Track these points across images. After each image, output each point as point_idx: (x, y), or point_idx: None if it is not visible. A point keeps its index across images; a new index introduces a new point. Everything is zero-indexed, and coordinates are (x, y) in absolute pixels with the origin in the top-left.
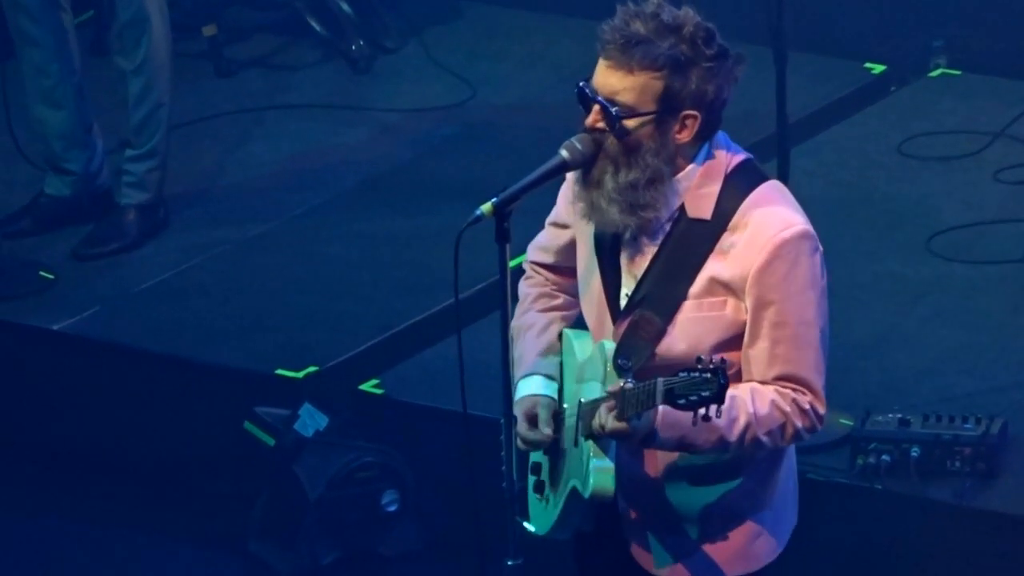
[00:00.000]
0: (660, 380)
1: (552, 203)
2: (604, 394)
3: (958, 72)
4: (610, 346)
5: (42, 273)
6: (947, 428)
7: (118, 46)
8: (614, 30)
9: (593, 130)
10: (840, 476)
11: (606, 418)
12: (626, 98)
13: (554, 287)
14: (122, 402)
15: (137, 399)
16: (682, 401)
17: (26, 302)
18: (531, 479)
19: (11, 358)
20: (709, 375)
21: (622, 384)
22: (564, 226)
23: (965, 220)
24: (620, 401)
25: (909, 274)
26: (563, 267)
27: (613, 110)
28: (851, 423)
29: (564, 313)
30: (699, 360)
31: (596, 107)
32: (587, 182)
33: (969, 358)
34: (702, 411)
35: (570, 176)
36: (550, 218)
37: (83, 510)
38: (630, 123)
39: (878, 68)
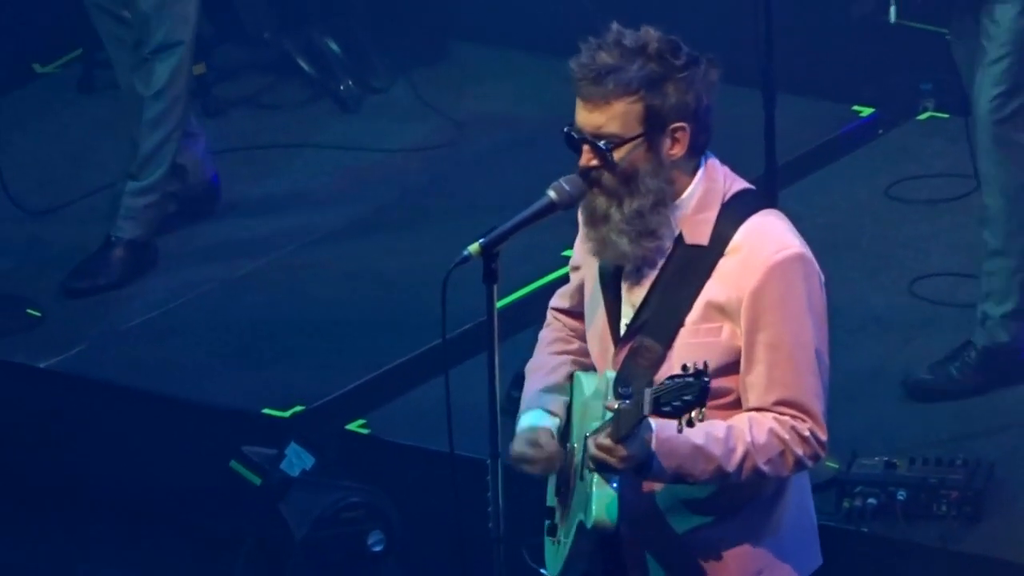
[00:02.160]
0: (648, 390)
1: (542, 244)
2: (603, 420)
3: (946, 115)
4: (611, 375)
5: (28, 311)
6: (934, 471)
7: (142, 71)
8: (582, 67)
9: (589, 170)
10: (826, 519)
11: (601, 438)
12: (611, 129)
13: (570, 333)
14: (108, 441)
15: (123, 437)
16: (667, 408)
17: (12, 339)
18: (546, 523)
19: None
20: (691, 379)
21: (617, 404)
22: (577, 268)
23: (952, 263)
24: (615, 419)
25: (895, 317)
26: (578, 312)
27: (600, 144)
28: (837, 466)
29: (577, 358)
30: (684, 367)
31: (586, 147)
32: (594, 220)
33: (956, 401)
34: (686, 417)
35: (581, 216)
36: (570, 264)
37: (68, 549)
38: (620, 152)
39: (866, 111)
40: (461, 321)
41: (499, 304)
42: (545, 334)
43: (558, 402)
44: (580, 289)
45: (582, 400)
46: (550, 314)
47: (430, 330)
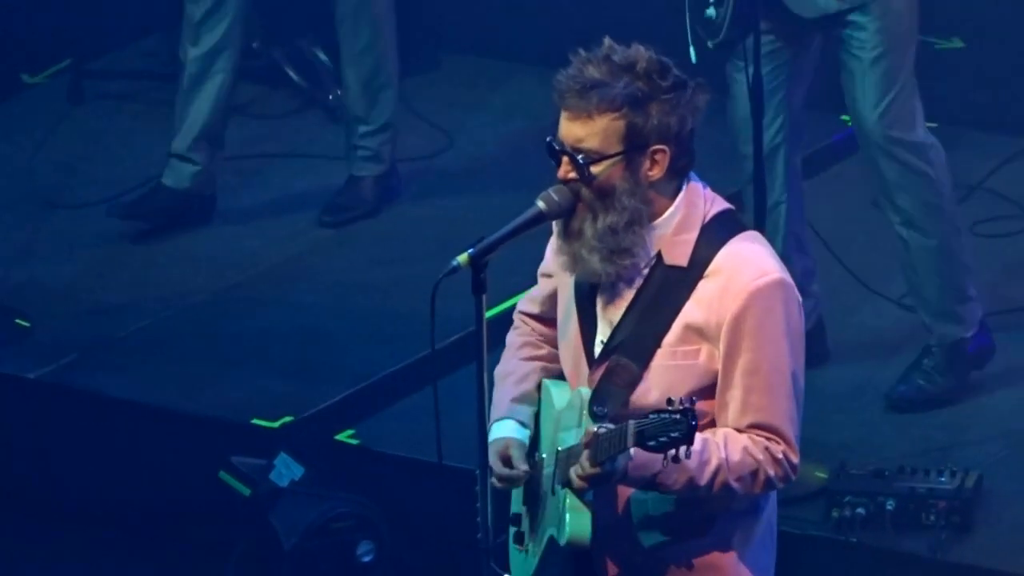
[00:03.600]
0: (631, 422)
1: (531, 254)
2: (580, 441)
3: (935, 125)
4: (586, 393)
5: (18, 321)
6: (922, 481)
7: (345, 29)
8: (569, 79)
9: (567, 182)
10: (815, 529)
11: (583, 463)
12: (591, 144)
13: (539, 338)
14: (97, 451)
15: (113, 448)
16: (652, 443)
17: (2, 350)
18: (511, 530)
19: None
20: (679, 416)
21: (595, 430)
22: (549, 276)
23: None
24: (593, 446)
25: (884, 327)
26: (548, 318)
27: (579, 158)
28: (826, 476)
29: (547, 364)
30: (669, 401)
31: (565, 158)
32: (568, 234)
33: (944, 411)
34: (672, 452)
35: (556, 227)
36: (540, 269)
37: (57, 559)
38: (599, 168)
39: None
40: (450, 331)
41: (488, 314)
42: (513, 338)
43: (528, 412)
44: (551, 297)
45: (552, 410)
46: (517, 318)
47: (419, 340)
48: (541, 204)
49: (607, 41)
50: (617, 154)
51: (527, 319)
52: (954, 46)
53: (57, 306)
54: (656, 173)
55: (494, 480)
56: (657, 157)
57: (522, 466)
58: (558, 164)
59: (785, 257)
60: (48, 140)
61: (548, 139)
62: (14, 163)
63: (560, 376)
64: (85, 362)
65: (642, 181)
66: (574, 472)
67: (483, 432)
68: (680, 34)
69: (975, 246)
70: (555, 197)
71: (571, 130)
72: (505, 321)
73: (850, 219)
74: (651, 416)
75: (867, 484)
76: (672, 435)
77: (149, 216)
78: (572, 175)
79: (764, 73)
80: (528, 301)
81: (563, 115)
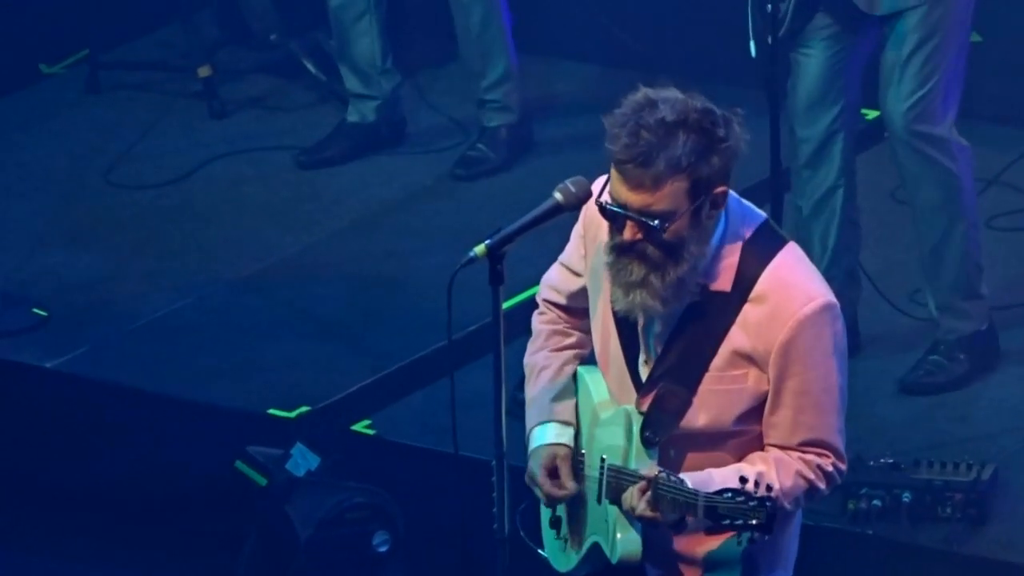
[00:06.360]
0: (701, 495)
1: (549, 245)
2: (633, 468)
3: None
4: (635, 415)
5: (34, 310)
6: (939, 474)
7: None
8: (626, 148)
9: (635, 243)
10: (831, 521)
11: (638, 503)
12: (661, 207)
13: (567, 325)
14: (113, 441)
15: (129, 438)
16: (726, 522)
17: (18, 339)
18: (545, 512)
19: (3, 395)
20: (756, 503)
21: (656, 473)
22: (576, 273)
23: None
24: (653, 491)
25: (901, 320)
26: (575, 308)
27: (654, 223)
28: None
29: (578, 351)
30: (743, 480)
31: (631, 224)
32: (629, 285)
33: (961, 405)
34: (748, 536)
35: (583, 218)
36: (562, 259)
37: (73, 548)
38: (670, 228)
39: (872, 113)
40: (467, 322)
41: (505, 306)
42: (542, 326)
43: (569, 408)
44: (579, 293)
45: (589, 404)
46: (541, 303)
47: (436, 331)
48: (558, 196)
49: (644, 92)
50: (686, 211)
51: (551, 307)
52: (971, 39)
53: (74, 295)
54: (716, 211)
55: (540, 495)
56: (717, 198)
57: (570, 484)
58: (618, 227)
59: (841, 245)
60: (65, 130)
61: (602, 202)
62: (31, 153)
63: (591, 360)
64: (101, 351)
65: (705, 224)
66: (627, 505)
67: (499, 422)
68: (695, 20)
69: (992, 240)
70: (572, 189)
71: (635, 197)
72: (522, 312)
73: (867, 211)
74: (725, 495)
75: (883, 476)
76: (751, 522)
77: (340, 156)
78: (639, 236)
79: (826, 57)
80: (552, 291)
81: (623, 182)
